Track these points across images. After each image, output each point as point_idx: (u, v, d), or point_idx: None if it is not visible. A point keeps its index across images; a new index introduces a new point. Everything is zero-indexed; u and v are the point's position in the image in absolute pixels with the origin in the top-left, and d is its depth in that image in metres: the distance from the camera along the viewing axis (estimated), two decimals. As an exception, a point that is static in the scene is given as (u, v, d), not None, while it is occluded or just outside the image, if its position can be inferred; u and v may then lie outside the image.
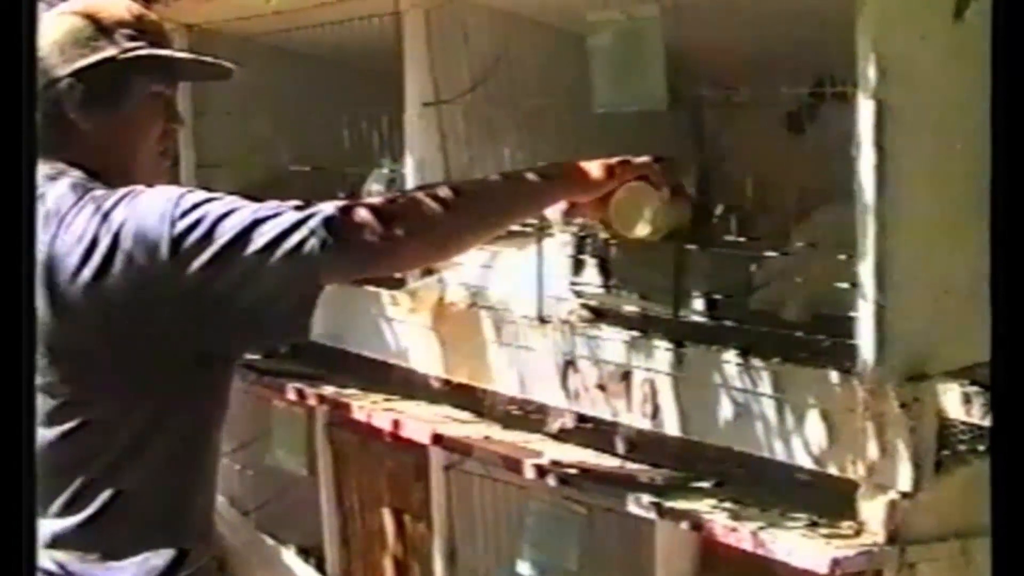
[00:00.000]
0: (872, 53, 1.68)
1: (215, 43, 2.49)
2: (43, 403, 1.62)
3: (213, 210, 1.57)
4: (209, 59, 1.81)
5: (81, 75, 1.68)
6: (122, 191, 1.62)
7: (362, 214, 1.59)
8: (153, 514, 1.66)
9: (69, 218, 1.60)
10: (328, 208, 1.59)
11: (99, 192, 1.63)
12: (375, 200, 1.68)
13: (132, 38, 1.71)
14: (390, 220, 1.60)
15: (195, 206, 1.58)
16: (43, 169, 1.67)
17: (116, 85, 1.70)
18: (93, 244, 1.57)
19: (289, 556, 3.26)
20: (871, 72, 1.68)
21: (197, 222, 1.56)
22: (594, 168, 1.87)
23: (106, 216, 1.58)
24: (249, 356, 2.91)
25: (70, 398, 1.62)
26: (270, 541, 3.33)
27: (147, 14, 1.76)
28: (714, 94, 2.11)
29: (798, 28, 2.07)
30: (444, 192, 1.67)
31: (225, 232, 1.56)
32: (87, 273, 1.56)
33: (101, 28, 1.70)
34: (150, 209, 1.57)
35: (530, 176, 1.78)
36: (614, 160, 1.90)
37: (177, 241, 1.55)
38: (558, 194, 1.87)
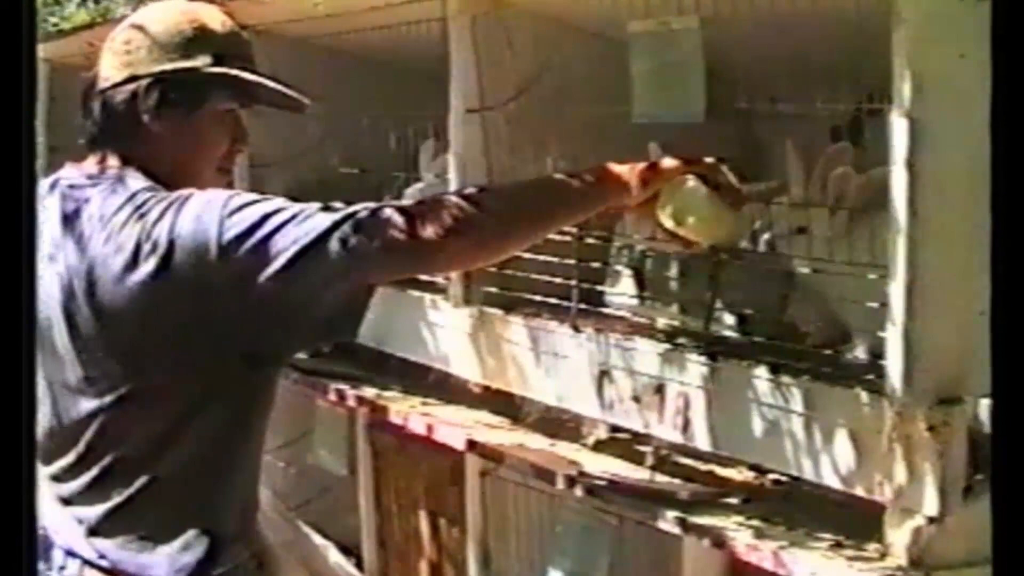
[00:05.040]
0: (907, 71, 1.65)
1: (269, 44, 2.51)
2: (81, 394, 1.65)
3: (261, 211, 1.58)
4: (289, 92, 1.78)
5: (162, 78, 1.69)
6: (171, 195, 1.63)
7: (409, 213, 1.59)
8: (188, 503, 1.67)
9: (116, 219, 1.62)
10: (376, 207, 1.60)
11: (146, 195, 1.64)
12: (423, 200, 1.68)
13: (220, 52, 1.72)
14: (437, 220, 1.58)
15: (243, 207, 1.59)
16: (93, 166, 1.71)
17: (194, 95, 1.70)
18: (139, 245, 1.58)
19: (335, 555, 3.27)
20: (906, 90, 1.65)
21: (246, 223, 1.57)
22: (635, 175, 1.74)
23: (157, 219, 1.59)
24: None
25: (109, 392, 1.63)
26: (318, 539, 3.34)
27: (239, 31, 1.77)
28: (760, 106, 2.09)
29: (839, 41, 2.04)
30: (489, 193, 1.66)
31: (273, 232, 1.56)
32: (135, 273, 1.58)
33: (193, 36, 1.71)
34: (199, 211, 1.59)
35: (575, 180, 1.73)
36: (665, 163, 1.78)
37: (226, 242, 1.56)
38: (604, 198, 1.77)
